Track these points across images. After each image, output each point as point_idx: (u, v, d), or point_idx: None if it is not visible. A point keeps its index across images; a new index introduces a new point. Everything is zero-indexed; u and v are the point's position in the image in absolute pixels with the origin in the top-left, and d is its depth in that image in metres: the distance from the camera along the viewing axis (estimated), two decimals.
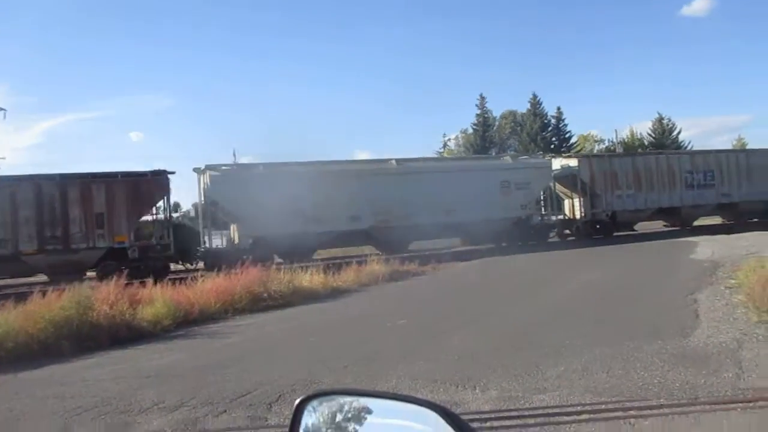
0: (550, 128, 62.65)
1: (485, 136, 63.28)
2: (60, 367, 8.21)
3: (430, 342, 8.21)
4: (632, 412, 4.59)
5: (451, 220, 24.29)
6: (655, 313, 8.93)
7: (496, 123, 67.84)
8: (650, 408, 4.67)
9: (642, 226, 31.06)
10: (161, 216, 22.12)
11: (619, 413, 4.59)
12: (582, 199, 28.62)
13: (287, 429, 4.18)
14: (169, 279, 15.17)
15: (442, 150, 65.88)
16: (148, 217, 22.04)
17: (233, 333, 10.25)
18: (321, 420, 0.65)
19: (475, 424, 4.60)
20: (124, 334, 9.94)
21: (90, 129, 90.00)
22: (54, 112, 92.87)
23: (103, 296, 10.70)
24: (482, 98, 64.55)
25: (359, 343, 8.51)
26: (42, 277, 19.36)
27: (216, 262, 19.13)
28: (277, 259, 22.19)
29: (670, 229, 30.31)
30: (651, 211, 29.83)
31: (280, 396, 5.80)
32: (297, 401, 0.66)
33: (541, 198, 29.08)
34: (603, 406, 4.77)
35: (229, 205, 22.58)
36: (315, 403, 0.67)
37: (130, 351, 9.16)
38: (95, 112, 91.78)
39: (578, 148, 63.63)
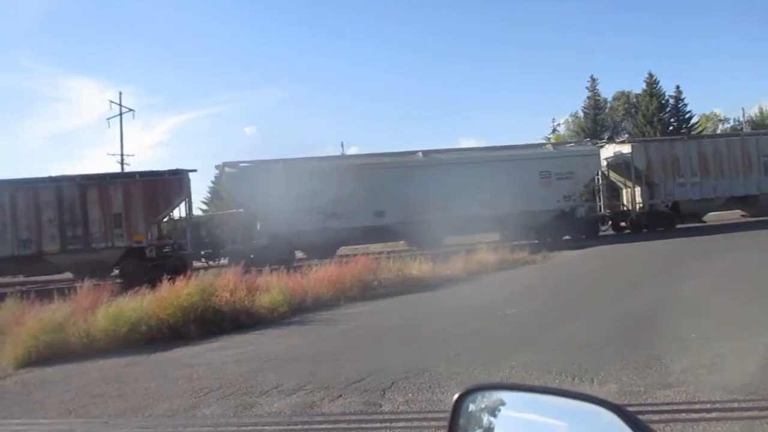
0: (668, 109, 59.05)
1: (597, 119, 60.74)
2: (187, 350, 8.78)
3: (543, 332, 8.02)
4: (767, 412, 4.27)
5: (485, 213, 22.61)
6: None
7: (608, 105, 64.90)
8: None
9: (716, 218, 28.34)
10: (185, 215, 22.21)
11: (755, 412, 4.28)
12: (639, 188, 26.52)
13: (401, 416, 4.21)
14: (285, 268, 15.74)
15: (551, 135, 63.99)
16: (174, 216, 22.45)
17: (346, 320, 10.51)
18: (480, 416, 0.63)
19: None
20: (244, 320, 10.46)
21: (209, 124, 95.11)
22: (177, 110, 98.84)
23: (224, 284, 11.31)
24: (593, 80, 61.89)
25: (470, 332, 8.45)
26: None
27: (238, 259, 19.18)
28: (299, 255, 22.09)
29: (752, 220, 27.09)
30: (722, 201, 27.15)
31: (393, 383, 5.88)
32: (456, 396, 0.65)
33: (597, 188, 27.39)
34: (736, 405, 4.46)
35: (248, 201, 22.57)
36: (473, 397, 0.64)
37: (250, 336, 9.63)
38: (214, 109, 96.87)
39: (700, 128, 59.68)
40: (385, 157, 24.39)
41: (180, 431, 5.05)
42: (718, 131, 62.92)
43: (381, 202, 22.63)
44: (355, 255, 16.72)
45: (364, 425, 4.83)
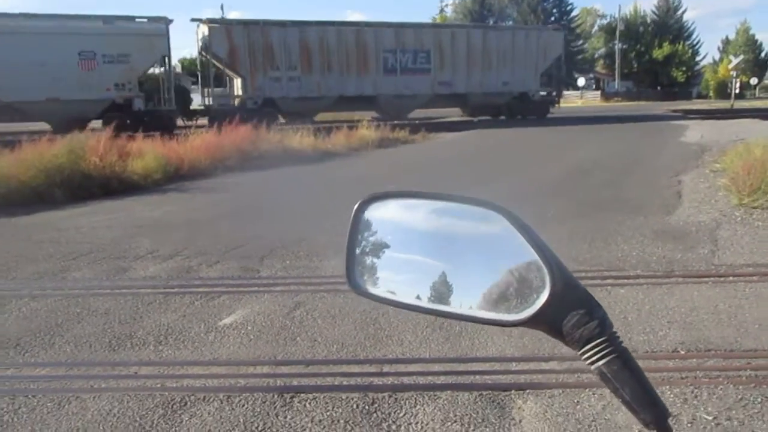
0: None
1: (484, 3, 60.80)
2: (54, 214, 8.35)
3: None
4: (610, 281, 4.82)
5: None
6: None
7: None
8: (627, 278, 4.91)
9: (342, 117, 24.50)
10: None
11: (598, 281, 4.82)
12: (239, 79, 23.20)
13: (279, 281, 4.33)
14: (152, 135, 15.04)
15: (436, 15, 63.46)
16: None
17: (224, 189, 10.38)
18: (382, 221, 0.70)
19: None
20: (115, 186, 10.07)
21: None
22: None
23: (93, 147, 10.68)
24: None
25: (345, 206, 8.63)
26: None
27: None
28: None
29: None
30: (330, 100, 23.79)
31: (271, 251, 5.99)
32: (357, 204, 0.70)
33: (166, 77, 22.10)
34: (583, 274, 4.98)
35: None
36: (376, 205, 0.70)
37: (122, 202, 9.30)
38: None
39: (579, 21, 61.62)
40: None
41: (49, 293, 4.91)
42: (596, 27, 65.42)
43: None
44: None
45: (241, 289, 4.93)
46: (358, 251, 0.73)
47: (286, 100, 22.91)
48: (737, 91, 41.19)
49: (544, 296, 0.61)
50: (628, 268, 5.18)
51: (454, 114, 28.98)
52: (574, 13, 61.64)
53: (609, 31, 62.49)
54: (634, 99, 53.32)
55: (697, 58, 63.07)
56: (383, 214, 0.71)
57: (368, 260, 0.72)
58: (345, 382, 3.35)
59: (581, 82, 53.78)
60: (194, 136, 13.55)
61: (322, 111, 24.39)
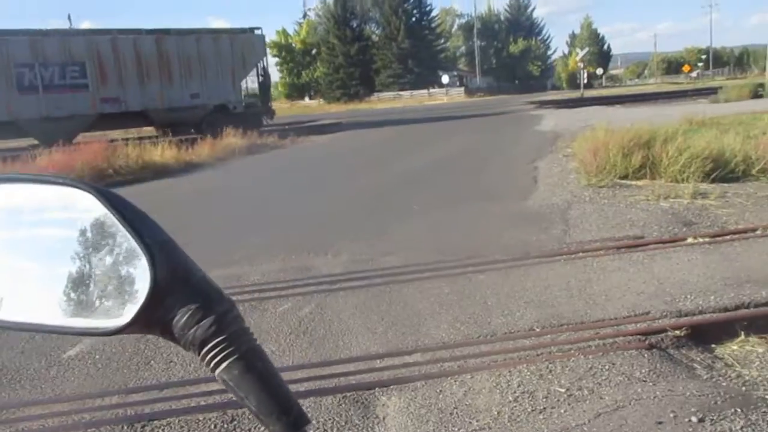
0: (411, 0, 61.76)
1: (346, 6, 61.26)
2: None
3: (284, 213, 8.19)
4: (470, 268, 4.92)
5: None
6: None
7: None
8: (486, 263, 5.03)
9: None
10: None
11: (459, 270, 4.91)
12: None
13: None
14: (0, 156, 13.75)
15: (302, 20, 63.25)
16: None
17: None
18: None
19: (324, 287, 4.73)
20: None
21: None
22: None
23: None
24: None
25: (207, 217, 8.31)
26: None
27: None
28: None
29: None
30: None
31: None
32: None
33: None
34: (444, 264, 5.07)
35: None
36: None
37: None
38: None
39: (440, 21, 63.67)
40: None
41: None
42: (455, 26, 68.01)
43: None
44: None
45: None
46: None
47: None
48: (585, 81, 44.19)
49: (144, 291, 0.49)
50: (488, 253, 5.32)
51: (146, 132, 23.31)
52: (434, 13, 63.68)
53: (467, 29, 65.20)
54: (495, 93, 55.91)
55: (549, 52, 67.34)
56: None
57: None
58: (203, 402, 3.17)
59: (445, 79, 55.65)
60: (42, 156, 12.52)
61: None
